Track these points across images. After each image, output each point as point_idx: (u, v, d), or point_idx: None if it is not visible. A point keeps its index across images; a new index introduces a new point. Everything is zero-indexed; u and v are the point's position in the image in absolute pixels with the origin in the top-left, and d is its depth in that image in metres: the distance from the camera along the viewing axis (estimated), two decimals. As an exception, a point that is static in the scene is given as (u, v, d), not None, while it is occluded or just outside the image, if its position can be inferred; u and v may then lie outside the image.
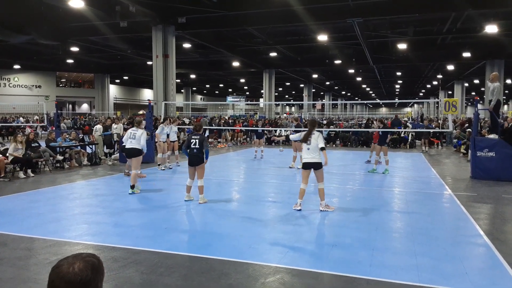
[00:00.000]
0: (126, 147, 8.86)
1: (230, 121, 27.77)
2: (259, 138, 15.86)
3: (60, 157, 12.36)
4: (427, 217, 6.90)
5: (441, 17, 20.26)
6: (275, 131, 22.92)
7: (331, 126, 24.95)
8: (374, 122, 23.01)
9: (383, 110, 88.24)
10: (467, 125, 19.90)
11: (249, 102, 65.36)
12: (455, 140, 20.23)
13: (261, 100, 50.12)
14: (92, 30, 21.44)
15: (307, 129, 7.48)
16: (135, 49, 27.78)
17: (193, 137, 7.66)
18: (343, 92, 65.99)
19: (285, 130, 23.50)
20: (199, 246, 5.32)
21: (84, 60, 35.19)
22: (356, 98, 76.19)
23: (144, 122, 10.08)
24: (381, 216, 6.97)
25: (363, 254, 4.99)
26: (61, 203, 7.91)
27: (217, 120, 26.01)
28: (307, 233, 6.03)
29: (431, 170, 12.69)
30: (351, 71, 37.40)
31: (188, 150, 7.57)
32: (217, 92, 65.62)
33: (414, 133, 21.49)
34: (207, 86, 57.48)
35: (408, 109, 73.12)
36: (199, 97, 66.20)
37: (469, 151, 12.20)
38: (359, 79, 44.75)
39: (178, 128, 14.82)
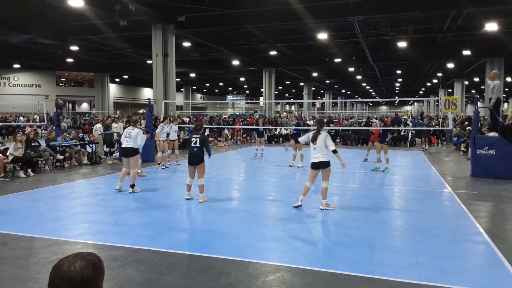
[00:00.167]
0: (122, 146, 8.88)
1: (230, 120, 27.75)
2: (260, 136, 15.86)
3: (60, 156, 12.38)
4: (427, 215, 6.91)
5: (441, 15, 20.22)
6: (275, 129, 22.92)
7: (331, 125, 24.94)
8: (374, 120, 23.00)
9: (383, 108, 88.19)
10: (467, 123, 19.93)
11: (249, 101, 65.34)
12: (455, 138, 20.23)
13: (261, 98, 50.11)
14: (92, 29, 21.42)
15: (305, 127, 7.49)
16: (135, 48, 27.75)
17: (193, 136, 7.66)
18: (343, 91, 66.00)
19: (285, 129, 23.51)
20: (199, 245, 5.32)
21: (84, 59, 35.16)
22: (356, 97, 76.23)
23: (142, 121, 10.08)
24: (381, 214, 6.98)
25: (363, 252, 4.99)
26: (61, 202, 7.92)
27: (217, 119, 25.98)
28: (307, 231, 6.04)
29: (431, 168, 12.70)
30: (351, 69, 37.43)
31: (188, 149, 7.58)
32: (217, 90, 65.54)
33: (414, 131, 21.51)
34: (207, 84, 57.41)
35: (408, 107, 73.06)
36: (199, 96, 66.11)
37: (469, 149, 12.20)
38: (359, 77, 44.72)
39: (178, 127, 14.82)
